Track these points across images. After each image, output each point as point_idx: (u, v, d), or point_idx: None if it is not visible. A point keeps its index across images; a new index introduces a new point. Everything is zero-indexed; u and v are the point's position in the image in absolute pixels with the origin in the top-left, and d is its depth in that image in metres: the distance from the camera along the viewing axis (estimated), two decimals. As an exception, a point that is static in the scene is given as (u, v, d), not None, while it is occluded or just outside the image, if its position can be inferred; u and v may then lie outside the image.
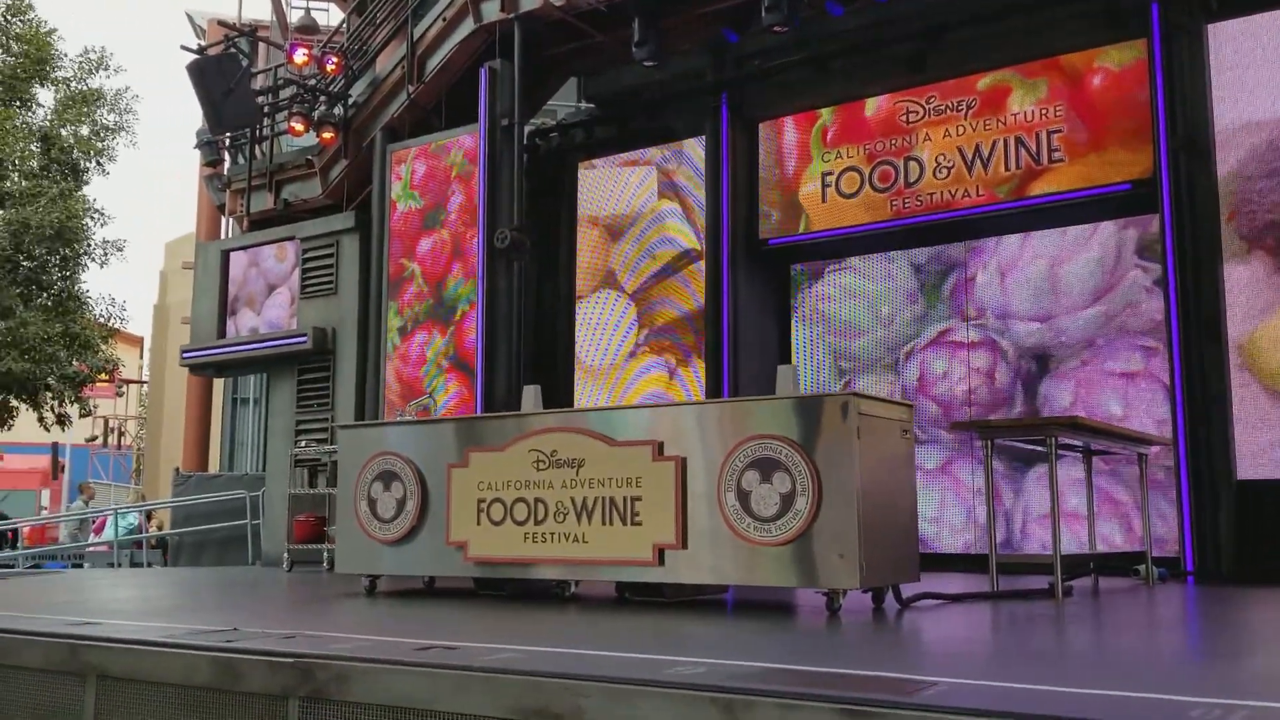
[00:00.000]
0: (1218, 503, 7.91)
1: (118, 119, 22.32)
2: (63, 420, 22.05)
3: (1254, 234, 8.07)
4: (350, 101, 11.93)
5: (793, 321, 10.54)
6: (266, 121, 12.72)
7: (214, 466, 19.52)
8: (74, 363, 21.21)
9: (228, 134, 13.17)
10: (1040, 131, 9.19)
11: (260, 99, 12.49)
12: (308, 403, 11.92)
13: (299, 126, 11.77)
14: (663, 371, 10.56)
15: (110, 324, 22.95)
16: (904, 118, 9.85)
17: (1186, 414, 8.06)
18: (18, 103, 21.46)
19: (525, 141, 10.82)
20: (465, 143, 10.73)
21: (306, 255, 12.11)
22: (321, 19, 18.14)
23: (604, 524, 5.68)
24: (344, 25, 12.96)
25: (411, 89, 11.20)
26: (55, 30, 21.95)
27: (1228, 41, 8.32)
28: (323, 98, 12.00)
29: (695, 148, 10.66)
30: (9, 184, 20.86)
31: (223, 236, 16.85)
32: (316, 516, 10.20)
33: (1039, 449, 6.65)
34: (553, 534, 5.85)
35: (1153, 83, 8.53)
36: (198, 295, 13.08)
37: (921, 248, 9.89)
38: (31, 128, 21.62)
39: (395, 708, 3.26)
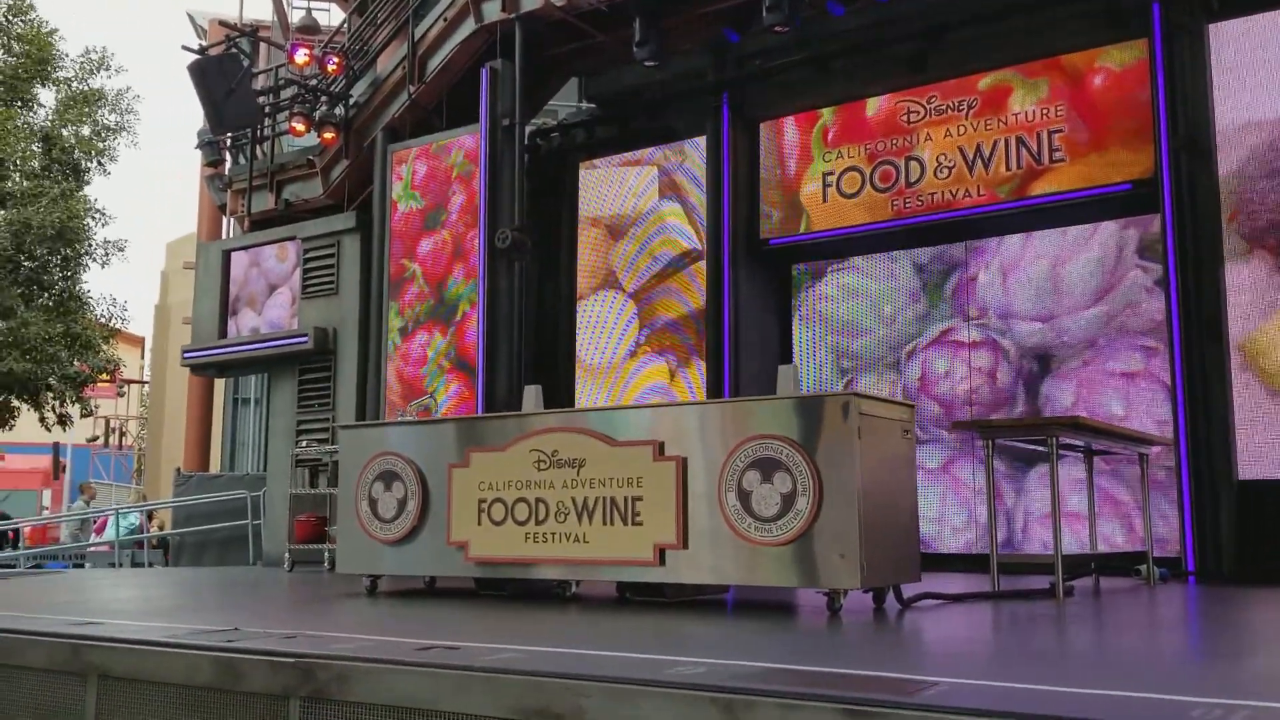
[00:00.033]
0: (1219, 503, 7.91)
1: (119, 119, 22.34)
2: (64, 420, 22.06)
3: (1255, 234, 8.07)
4: (351, 102, 11.93)
5: (794, 321, 10.54)
6: (268, 121, 12.73)
7: (215, 466, 19.52)
8: (75, 363, 21.22)
9: (229, 134, 13.17)
10: (1041, 131, 9.19)
11: (261, 99, 12.49)
12: (309, 403, 11.92)
13: (300, 127, 11.78)
14: (664, 371, 10.56)
15: (111, 324, 22.95)
16: (905, 118, 9.84)
17: (1187, 414, 8.06)
18: (19, 103, 21.47)
19: (526, 141, 10.83)
20: (466, 143, 10.73)
21: (307, 255, 12.11)
22: (323, 19, 18.16)
23: (605, 524, 5.68)
24: (345, 25, 12.97)
25: (412, 89, 11.20)
26: (56, 30, 21.96)
27: (1229, 41, 8.31)
28: (324, 98, 12.01)
29: (696, 148, 10.66)
30: (10, 184, 20.87)
31: (224, 236, 16.87)
32: (317, 516, 10.20)
33: (1040, 449, 6.65)
34: (554, 534, 5.85)
35: (1154, 83, 8.53)
36: (199, 295, 13.08)
37: (923, 248, 9.89)
38: (33, 128, 21.63)
39: (396, 708, 3.26)
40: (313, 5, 18.45)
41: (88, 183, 22.14)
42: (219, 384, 19.49)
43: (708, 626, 4.83)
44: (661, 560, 5.51)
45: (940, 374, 9.63)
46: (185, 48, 12.03)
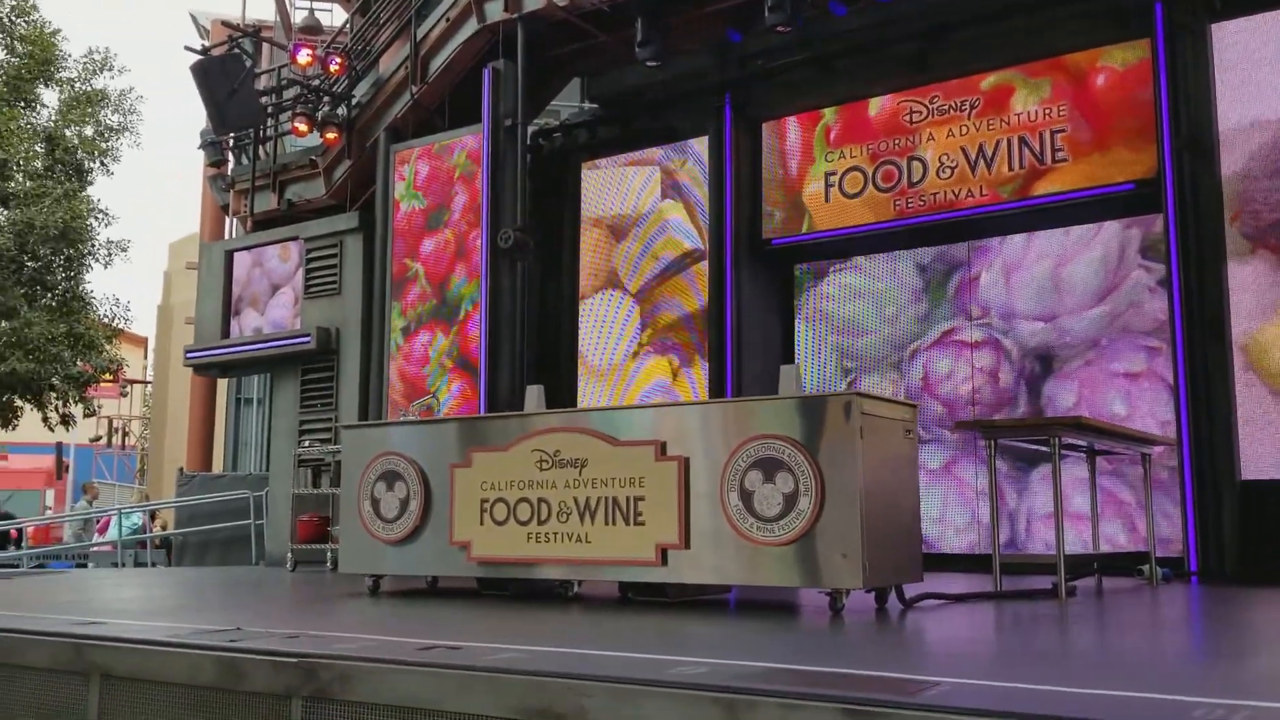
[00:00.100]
0: (1221, 503, 7.90)
1: (122, 119, 22.35)
2: (67, 420, 22.08)
3: (1257, 234, 8.06)
4: (354, 102, 11.94)
5: (796, 321, 10.54)
6: (270, 122, 12.74)
7: (218, 466, 19.53)
8: (78, 363, 21.23)
9: (232, 134, 13.18)
10: (1044, 131, 9.18)
11: (264, 99, 12.50)
12: (311, 403, 11.93)
13: (303, 127, 11.79)
14: (666, 371, 10.56)
15: (114, 324, 22.96)
16: (907, 117, 9.84)
17: (1190, 414, 8.06)
18: (22, 103, 21.48)
19: (529, 142, 10.84)
20: (469, 143, 10.74)
21: (310, 255, 12.12)
22: (325, 19, 18.14)
23: (607, 524, 5.68)
24: (347, 25, 12.98)
25: (415, 89, 11.21)
26: (59, 31, 21.98)
27: (1231, 41, 8.31)
28: (326, 98, 12.02)
29: (699, 148, 10.66)
30: (14, 184, 20.89)
31: (226, 237, 16.88)
32: (320, 516, 10.21)
33: (1043, 449, 6.65)
34: (556, 534, 5.85)
35: (1156, 82, 8.53)
36: (201, 295, 13.10)
37: (925, 248, 9.88)
38: (36, 128, 21.65)
39: (398, 707, 3.27)
40: (315, 5, 18.45)
41: (91, 183, 22.15)
42: (222, 384, 19.50)
43: (710, 626, 4.83)
44: (664, 560, 5.51)
45: (943, 374, 9.63)
46: (188, 48, 12.05)
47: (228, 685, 3.61)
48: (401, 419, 10.43)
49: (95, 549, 16.01)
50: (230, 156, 14.04)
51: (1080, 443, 6.91)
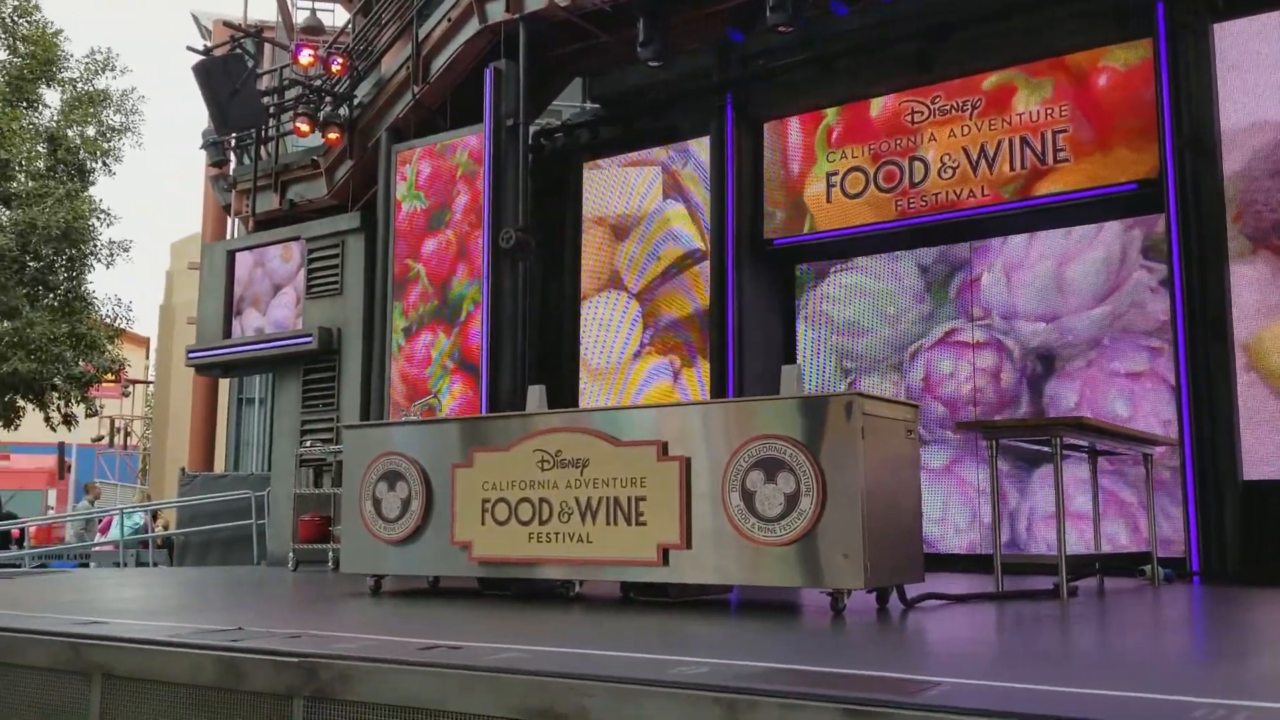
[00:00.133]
0: (1223, 503, 7.90)
1: (124, 120, 22.36)
2: (69, 420, 22.09)
3: (1260, 234, 8.06)
4: (355, 102, 11.95)
5: (797, 321, 10.54)
6: (272, 122, 12.75)
7: (219, 466, 19.55)
8: (80, 363, 21.25)
9: (234, 134, 13.19)
10: (1045, 131, 9.18)
11: (266, 99, 12.51)
12: (313, 403, 11.94)
13: (304, 127, 11.80)
14: (667, 371, 10.56)
15: (116, 324, 22.97)
16: (909, 118, 9.84)
17: (1192, 414, 8.05)
18: (24, 103, 21.49)
19: (530, 142, 10.83)
20: (470, 143, 10.74)
21: (312, 255, 12.13)
22: (327, 20, 18.17)
23: (608, 524, 5.68)
24: (349, 26, 12.99)
25: (416, 89, 11.22)
26: (61, 31, 22.00)
27: (1233, 41, 8.30)
28: (328, 98, 12.03)
29: (700, 148, 10.65)
30: (16, 185, 20.91)
31: (228, 237, 16.89)
32: (321, 516, 10.22)
33: (1044, 449, 6.65)
34: (557, 534, 5.85)
35: (1158, 82, 8.52)
36: (203, 295, 13.11)
37: (927, 248, 9.88)
38: (38, 128, 21.66)
39: (400, 707, 3.27)
40: (317, 6, 18.46)
41: (93, 183, 22.16)
42: (223, 384, 19.52)
43: (711, 626, 4.83)
44: (665, 560, 5.51)
45: (944, 374, 9.62)
46: (190, 48, 12.06)
47: (229, 685, 3.62)
48: (403, 419, 10.44)
49: (97, 549, 16.02)
50: (232, 157, 14.06)
51: (1082, 443, 6.91)
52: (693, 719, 2.83)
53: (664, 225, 10.79)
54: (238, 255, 12.86)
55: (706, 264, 10.42)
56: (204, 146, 14.21)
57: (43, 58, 21.53)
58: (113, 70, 22.41)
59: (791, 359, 10.26)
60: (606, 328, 11.01)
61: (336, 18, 18.35)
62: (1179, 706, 2.67)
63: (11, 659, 4.21)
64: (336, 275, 11.91)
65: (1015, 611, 5.46)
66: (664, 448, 5.56)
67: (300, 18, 17.59)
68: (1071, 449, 6.97)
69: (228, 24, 16.20)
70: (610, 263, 11.09)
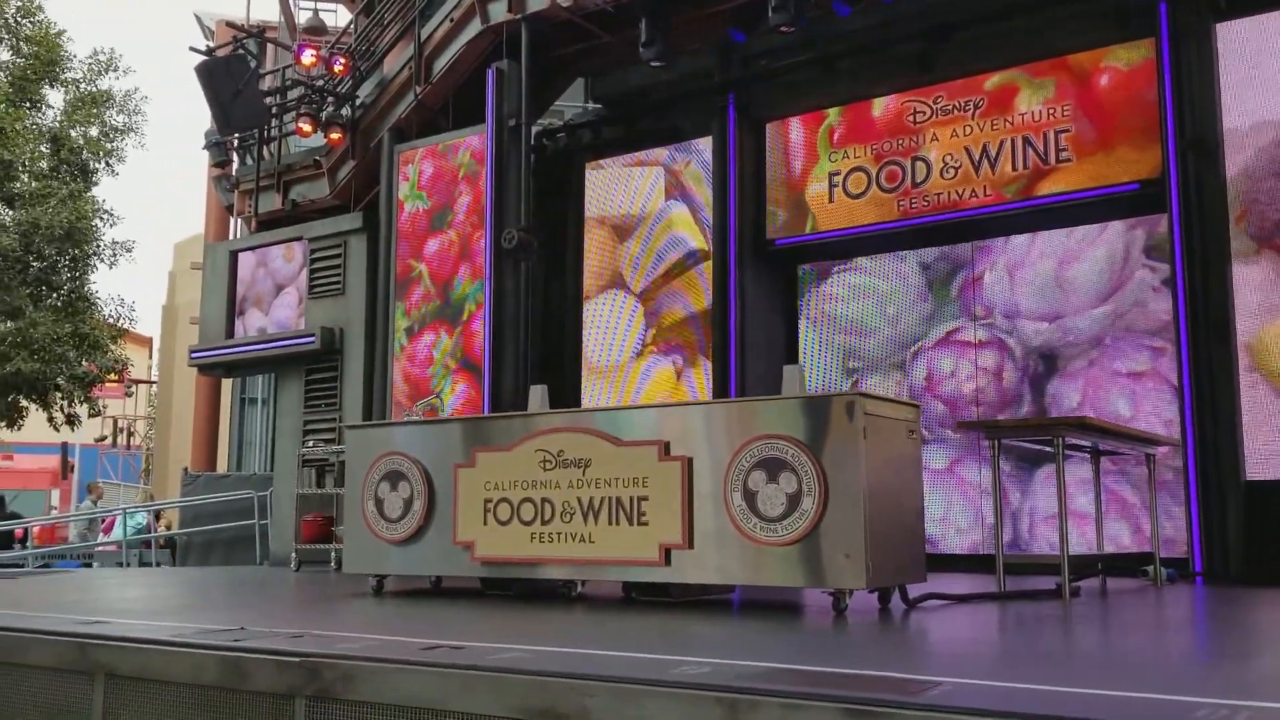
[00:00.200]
0: (1226, 503, 7.89)
1: (127, 120, 22.40)
2: (72, 420, 22.12)
3: (1263, 234, 8.05)
4: (358, 102, 11.96)
5: (799, 321, 10.54)
6: (274, 122, 12.76)
7: (222, 466, 19.57)
8: (83, 363, 21.28)
9: (236, 135, 13.21)
10: (1048, 131, 9.17)
11: (268, 100, 12.53)
12: (315, 403, 11.95)
13: (307, 127, 11.81)
14: (670, 372, 10.56)
15: (119, 324, 23.01)
16: (911, 118, 9.84)
17: (1195, 414, 8.05)
18: (28, 104, 21.53)
19: (533, 142, 10.84)
20: (472, 143, 10.75)
21: (314, 255, 12.14)
22: (329, 20, 18.18)
23: (610, 524, 5.69)
24: (352, 26, 13.00)
25: (419, 89, 11.23)
26: (65, 31, 22.03)
27: (1236, 41, 8.29)
28: (330, 98, 12.04)
29: (702, 148, 10.65)
30: (19, 185, 20.94)
31: (231, 237, 16.90)
32: (324, 516, 10.22)
33: (1046, 449, 6.64)
34: (559, 534, 5.86)
35: (1161, 82, 8.51)
36: (206, 295, 13.13)
37: (929, 248, 9.88)
38: (41, 129, 21.70)
39: (402, 707, 3.27)
40: (320, 6, 18.47)
41: (96, 183, 22.21)
42: (226, 384, 19.54)
43: (713, 626, 4.83)
44: (667, 560, 5.51)
45: (946, 374, 9.62)
46: (193, 49, 12.07)
47: (231, 685, 3.62)
48: (405, 419, 10.44)
49: (100, 549, 16.03)
50: (235, 157, 14.07)
51: (1084, 443, 6.90)
52: (694, 719, 2.83)
53: (666, 225, 10.79)
54: (240, 255, 12.88)
55: (708, 264, 10.42)
56: (207, 147, 14.22)
57: (46, 58, 21.56)
58: (116, 71, 22.46)
59: (794, 359, 10.26)
60: (608, 328, 11.01)
61: (339, 18, 18.37)
62: (1181, 707, 2.67)
63: (15, 659, 4.22)
64: (339, 275, 11.92)
65: (1017, 612, 5.46)
66: (666, 448, 5.56)
67: (303, 18, 17.60)
68: (1074, 449, 6.97)
69: (230, 24, 16.20)
70: (612, 263, 11.09)
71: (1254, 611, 5.86)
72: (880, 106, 10.03)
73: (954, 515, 9.38)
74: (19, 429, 21.78)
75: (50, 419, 21.88)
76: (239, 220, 14.63)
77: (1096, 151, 8.97)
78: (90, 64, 22.24)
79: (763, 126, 10.62)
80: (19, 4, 21.55)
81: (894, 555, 5.28)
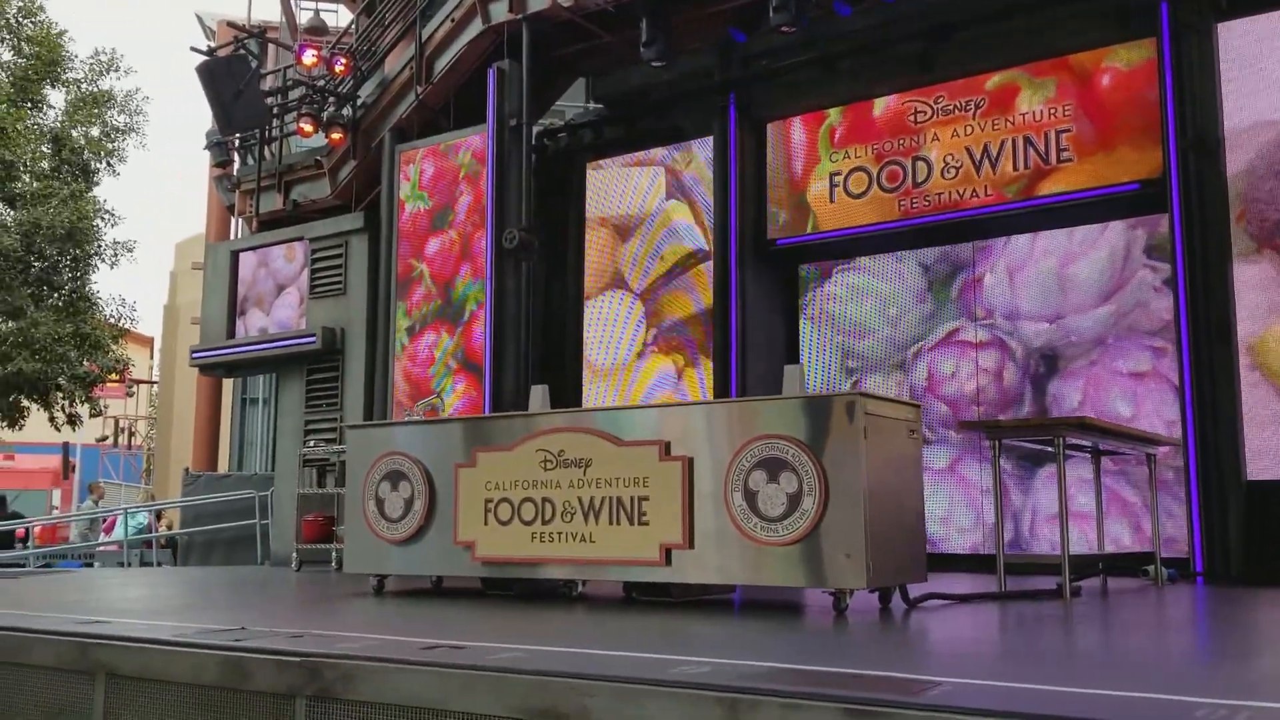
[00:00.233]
0: (1227, 503, 7.88)
1: (128, 120, 22.43)
2: (73, 420, 22.14)
3: (1264, 234, 8.04)
4: (359, 102, 11.97)
5: (800, 321, 10.54)
6: (276, 122, 12.77)
7: (223, 466, 19.58)
8: (84, 363, 21.30)
9: (237, 135, 13.22)
10: (1049, 131, 9.17)
11: (269, 100, 12.53)
12: (316, 403, 11.96)
13: (308, 127, 11.82)
14: (670, 372, 10.56)
15: (120, 324, 23.03)
16: (912, 118, 9.83)
17: (1195, 414, 8.04)
18: (29, 104, 21.55)
19: (533, 142, 10.84)
20: (473, 143, 10.75)
21: (315, 256, 12.15)
22: (330, 20, 18.20)
23: (611, 524, 5.69)
24: (353, 26, 13.00)
25: (420, 90, 11.23)
26: (66, 32, 22.05)
27: (1237, 40, 8.29)
28: (331, 98, 12.05)
29: (703, 148, 10.65)
30: (20, 185, 20.96)
31: (232, 237, 16.92)
32: (325, 516, 10.22)
33: (1047, 449, 6.64)
34: (560, 534, 5.86)
35: (1162, 82, 8.51)
36: (207, 295, 13.13)
37: (930, 248, 9.88)
38: (43, 129, 21.72)
39: (402, 707, 3.27)
40: (321, 6, 18.49)
41: (97, 183, 22.23)
42: (227, 384, 19.55)
43: (713, 626, 4.83)
44: (668, 560, 5.51)
45: (947, 374, 9.62)
46: (194, 49, 12.07)
47: (232, 684, 3.62)
48: (406, 419, 10.44)
49: (101, 548, 16.04)
50: (236, 157, 14.08)
51: (1085, 443, 6.90)
52: (695, 719, 2.83)
53: (667, 225, 10.79)
54: (241, 255, 12.88)
55: (710, 264, 10.42)
56: (208, 147, 14.23)
57: (47, 58, 21.58)
58: (117, 71, 22.48)
59: (795, 359, 10.26)
60: (609, 328, 11.01)
61: (340, 18, 18.38)
62: (1181, 706, 2.67)
63: (16, 658, 4.23)
64: (340, 275, 11.93)
65: (1018, 611, 5.45)
66: (666, 447, 5.56)
67: (304, 18, 17.62)
68: (1075, 449, 6.96)
69: (232, 24, 16.21)
70: (613, 263, 11.09)
71: (1254, 611, 5.86)
72: (881, 106, 10.03)
73: (955, 515, 9.38)
74: (20, 429, 21.79)
75: (51, 419, 21.90)
76: (240, 220, 14.65)
77: (1097, 151, 8.96)
78: (91, 64, 22.27)
79: (763, 126, 10.62)
80: (20, 4, 21.57)
81: (895, 555, 5.28)
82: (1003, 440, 6.44)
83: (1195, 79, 8.36)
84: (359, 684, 3.37)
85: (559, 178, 11.55)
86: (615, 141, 11.39)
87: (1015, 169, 9.29)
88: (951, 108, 9.64)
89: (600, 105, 12.05)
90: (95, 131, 22.11)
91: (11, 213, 20.70)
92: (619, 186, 11.17)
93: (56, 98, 22.27)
